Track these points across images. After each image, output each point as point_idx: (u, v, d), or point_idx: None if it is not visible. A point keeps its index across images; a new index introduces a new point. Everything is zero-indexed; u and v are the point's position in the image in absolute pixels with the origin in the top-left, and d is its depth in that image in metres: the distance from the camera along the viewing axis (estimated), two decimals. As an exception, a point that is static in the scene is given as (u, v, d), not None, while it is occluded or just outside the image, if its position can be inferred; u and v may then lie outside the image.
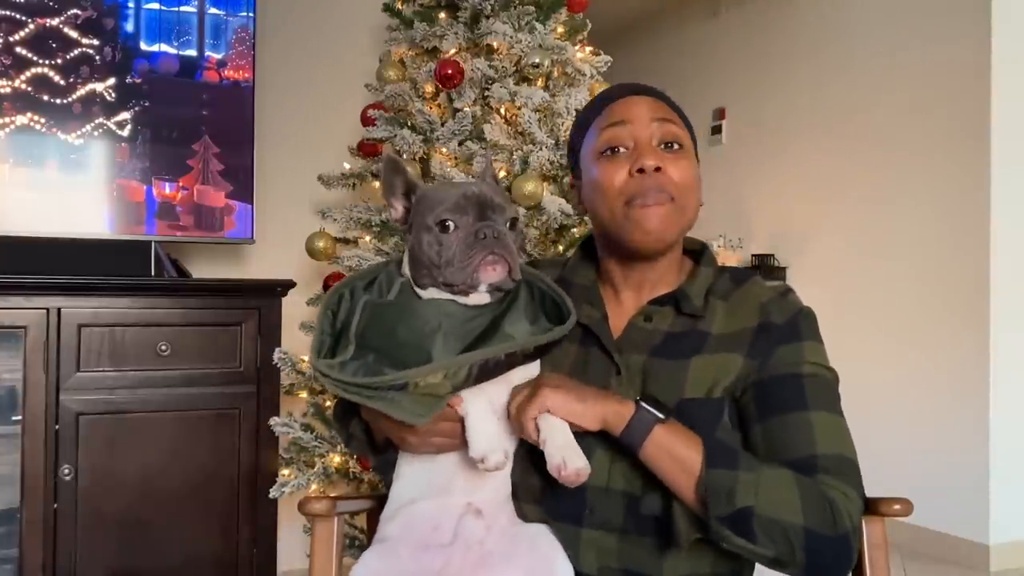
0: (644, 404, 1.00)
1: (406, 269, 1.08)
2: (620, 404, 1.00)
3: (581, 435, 1.01)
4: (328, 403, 2.33)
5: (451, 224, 1.01)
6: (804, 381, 1.05)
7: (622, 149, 1.11)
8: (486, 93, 2.23)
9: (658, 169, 1.08)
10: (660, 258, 1.13)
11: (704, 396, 1.05)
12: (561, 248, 2.16)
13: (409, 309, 1.02)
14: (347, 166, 2.55)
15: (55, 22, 2.32)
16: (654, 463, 0.99)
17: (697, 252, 1.20)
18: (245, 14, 2.52)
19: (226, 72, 2.49)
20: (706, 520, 0.97)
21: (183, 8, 2.45)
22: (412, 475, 1.09)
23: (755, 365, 1.06)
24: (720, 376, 1.06)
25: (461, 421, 1.01)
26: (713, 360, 1.07)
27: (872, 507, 1.13)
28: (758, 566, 1.06)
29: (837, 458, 1.01)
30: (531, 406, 0.99)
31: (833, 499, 0.98)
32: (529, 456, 1.06)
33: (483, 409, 1.00)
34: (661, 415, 0.99)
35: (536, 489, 1.07)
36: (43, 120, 2.31)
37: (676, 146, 1.11)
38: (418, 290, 1.05)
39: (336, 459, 2.20)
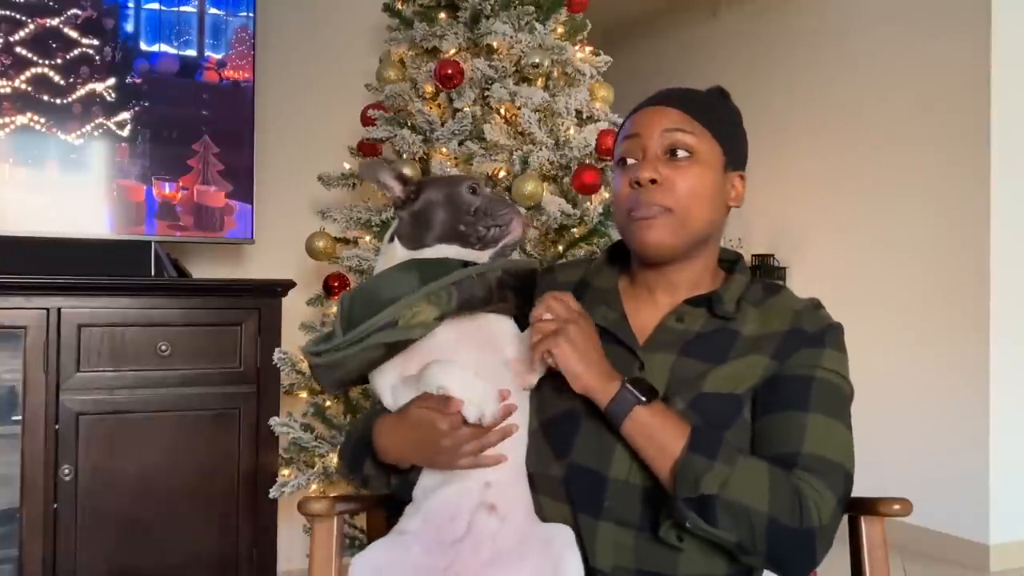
0: (629, 386, 1.02)
1: (390, 242, 1.16)
2: (610, 381, 1.03)
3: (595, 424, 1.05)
4: (328, 403, 2.33)
5: (478, 188, 1.16)
6: (813, 384, 1.06)
7: (631, 160, 1.13)
8: (486, 93, 2.23)
9: (654, 181, 1.09)
10: (678, 263, 1.14)
11: (725, 392, 1.06)
12: (561, 248, 2.16)
13: (390, 274, 1.10)
14: (347, 166, 2.55)
15: (55, 22, 2.32)
16: (634, 441, 1.02)
17: (731, 262, 1.22)
18: (245, 14, 2.52)
19: (226, 72, 2.49)
20: (673, 500, 0.98)
21: (183, 8, 2.45)
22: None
23: (776, 364, 1.08)
24: (745, 377, 1.07)
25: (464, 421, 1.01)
26: (741, 362, 1.08)
27: (872, 507, 1.13)
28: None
29: (821, 459, 1.01)
30: (548, 339, 1.02)
31: (803, 493, 0.98)
32: (547, 447, 1.08)
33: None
34: (644, 398, 1.01)
35: (555, 481, 1.08)
36: (43, 120, 2.31)
37: (683, 154, 1.11)
38: (416, 251, 1.13)
39: (336, 459, 2.20)
